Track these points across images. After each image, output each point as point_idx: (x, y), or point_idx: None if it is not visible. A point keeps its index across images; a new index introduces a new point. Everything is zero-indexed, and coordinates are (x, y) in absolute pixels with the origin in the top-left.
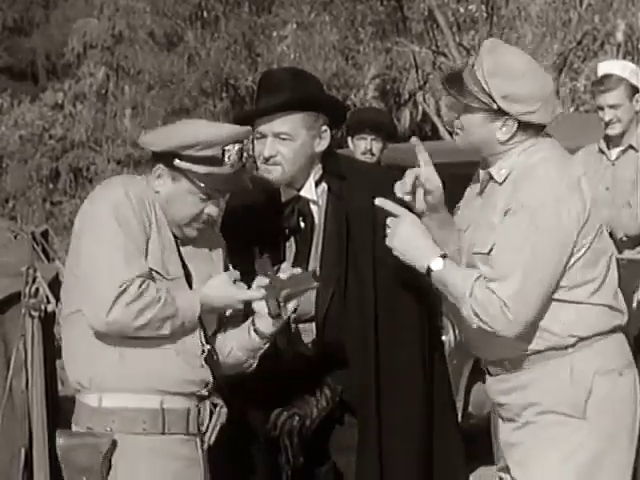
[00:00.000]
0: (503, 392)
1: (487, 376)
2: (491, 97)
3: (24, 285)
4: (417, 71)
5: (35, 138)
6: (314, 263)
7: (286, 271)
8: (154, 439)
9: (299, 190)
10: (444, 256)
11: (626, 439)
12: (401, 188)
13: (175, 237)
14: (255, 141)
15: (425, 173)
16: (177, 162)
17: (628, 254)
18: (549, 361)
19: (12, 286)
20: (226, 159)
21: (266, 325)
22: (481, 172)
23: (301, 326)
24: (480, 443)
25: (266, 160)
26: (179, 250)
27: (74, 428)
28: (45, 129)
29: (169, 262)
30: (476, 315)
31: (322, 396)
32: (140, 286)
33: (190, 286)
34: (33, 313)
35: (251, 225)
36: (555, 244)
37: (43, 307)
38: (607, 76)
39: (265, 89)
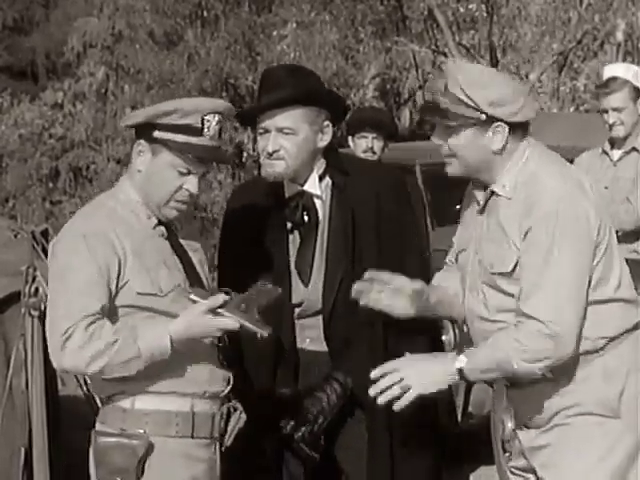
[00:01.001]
0: (527, 401)
1: (511, 388)
2: (477, 108)
3: (24, 284)
4: (417, 70)
5: (35, 137)
6: (319, 257)
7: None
8: (183, 442)
9: (303, 185)
10: (458, 352)
11: None
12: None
13: (173, 246)
14: (258, 137)
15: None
16: (156, 133)
17: (624, 253)
18: (580, 368)
19: (12, 285)
20: (205, 129)
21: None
22: (477, 193)
23: (308, 321)
24: (480, 443)
25: (270, 155)
26: (181, 256)
27: (100, 427)
28: (45, 128)
29: (159, 278)
30: (529, 361)
31: (333, 392)
32: (87, 328)
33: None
34: (33, 312)
35: (254, 221)
36: (579, 245)
37: (43, 306)
38: (611, 79)
39: (267, 85)
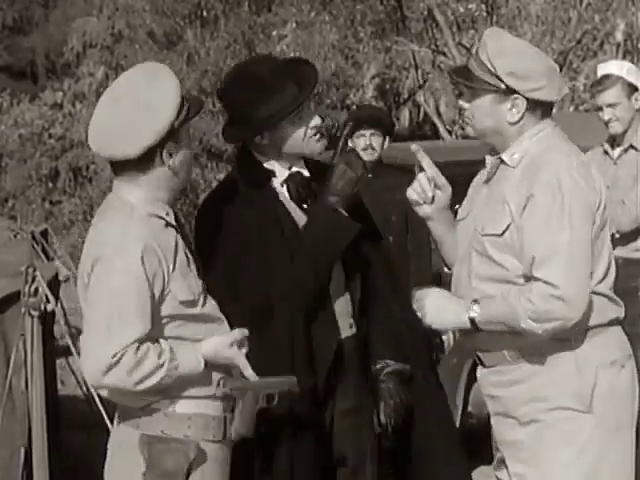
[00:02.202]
0: (498, 385)
1: (479, 367)
2: (498, 77)
3: (23, 284)
4: (417, 70)
5: (35, 137)
6: None
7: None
8: (216, 445)
9: (291, 168)
10: (475, 301)
11: (629, 430)
12: (418, 194)
13: (185, 244)
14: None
15: (431, 173)
16: (181, 130)
17: (622, 252)
18: (552, 354)
19: (11, 285)
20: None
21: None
22: (489, 159)
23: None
24: (480, 443)
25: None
26: (192, 253)
27: (124, 428)
28: (45, 128)
29: (191, 282)
30: (537, 321)
31: (390, 380)
32: (136, 352)
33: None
34: (33, 312)
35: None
36: (582, 209)
37: (42, 306)
38: (604, 76)
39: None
